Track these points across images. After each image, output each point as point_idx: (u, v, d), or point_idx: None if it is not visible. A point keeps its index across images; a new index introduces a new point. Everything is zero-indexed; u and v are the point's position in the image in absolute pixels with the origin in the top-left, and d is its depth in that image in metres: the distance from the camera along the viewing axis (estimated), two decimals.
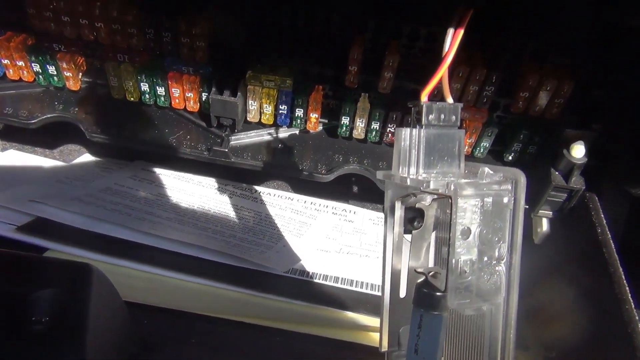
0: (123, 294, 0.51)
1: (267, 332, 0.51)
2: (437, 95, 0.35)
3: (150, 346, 0.43)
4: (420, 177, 0.30)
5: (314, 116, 0.56)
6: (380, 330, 0.35)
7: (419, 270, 0.31)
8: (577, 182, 0.51)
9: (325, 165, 0.57)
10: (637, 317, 0.43)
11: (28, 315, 0.35)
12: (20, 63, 0.55)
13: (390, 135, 0.56)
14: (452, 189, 0.28)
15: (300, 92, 0.55)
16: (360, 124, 0.55)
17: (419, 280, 0.31)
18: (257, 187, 0.78)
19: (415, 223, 0.34)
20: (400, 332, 0.35)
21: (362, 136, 0.56)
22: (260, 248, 0.64)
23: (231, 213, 0.72)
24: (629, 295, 0.44)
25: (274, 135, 0.58)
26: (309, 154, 0.58)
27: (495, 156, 0.57)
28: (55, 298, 0.36)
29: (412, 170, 0.30)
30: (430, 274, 0.31)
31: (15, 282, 0.38)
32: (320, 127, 0.59)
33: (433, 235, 0.35)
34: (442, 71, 0.30)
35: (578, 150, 0.49)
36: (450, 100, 0.31)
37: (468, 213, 0.28)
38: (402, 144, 0.30)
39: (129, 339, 0.41)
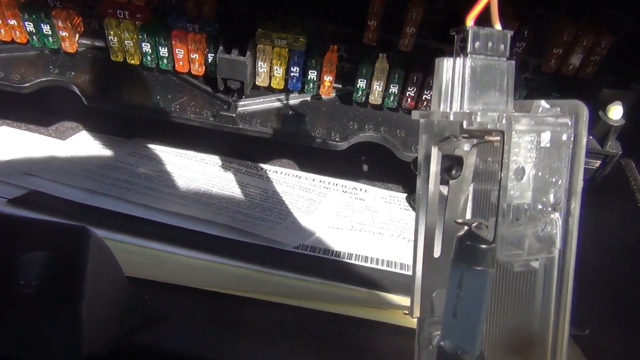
0: (126, 270, 0.48)
1: (277, 309, 0.48)
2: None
3: (152, 320, 0.39)
4: (465, 112, 0.26)
5: (328, 79, 0.52)
6: (412, 294, 0.31)
7: (461, 220, 0.27)
8: (613, 146, 0.47)
9: (339, 133, 0.53)
10: None
11: (17, 278, 0.32)
12: (13, 22, 0.51)
13: (409, 100, 0.52)
14: (504, 122, 0.24)
15: (314, 52, 0.51)
16: (377, 87, 0.51)
17: (461, 233, 0.27)
18: (263, 165, 0.74)
19: (453, 172, 0.30)
20: (434, 296, 0.31)
21: (379, 101, 0.53)
22: (268, 224, 0.60)
23: (236, 190, 0.68)
24: None
25: (284, 102, 0.55)
26: (321, 122, 0.54)
27: None
28: (48, 261, 0.33)
29: (455, 105, 0.26)
30: (474, 224, 0.27)
31: (4, 244, 0.34)
32: (334, 94, 0.55)
33: (471, 187, 0.31)
34: None
35: (615, 112, 0.46)
36: (498, 26, 0.27)
37: (522, 150, 0.25)
38: (444, 75, 0.27)
39: (130, 310, 0.38)
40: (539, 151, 0.25)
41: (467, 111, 0.26)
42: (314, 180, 0.73)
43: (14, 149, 0.69)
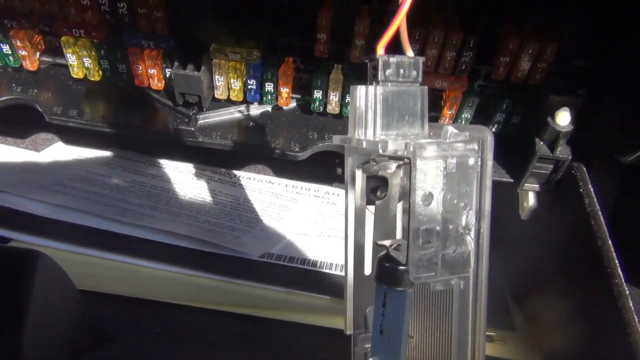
0: (87, 284, 0.49)
1: (238, 320, 0.49)
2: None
3: (107, 336, 0.40)
4: (377, 139, 0.27)
5: (284, 90, 0.52)
6: (345, 312, 0.32)
7: (381, 243, 0.28)
8: (563, 151, 0.48)
9: (299, 143, 0.54)
10: (627, 292, 0.40)
11: None
12: None
13: None
14: (410, 149, 0.25)
15: (269, 65, 0.52)
16: (334, 97, 0.52)
17: (380, 254, 0.28)
18: (236, 172, 0.75)
19: (379, 193, 0.31)
20: (367, 312, 0.32)
21: (337, 111, 0.53)
22: (236, 233, 0.61)
23: (207, 198, 0.69)
24: (619, 269, 0.41)
25: (245, 113, 0.55)
26: (281, 132, 0.55)
27: None
28: None
29: (370, 132, 0.27)
30: (393, 246, 0.28)
31: None
32: (294, 104, 0.56)
33: (399, 206, 0.32)
34: (399, 19, 0.27)
35: (563, 118, 0.46)
36: (410, 53, 0.28)
37: (429, 176, 0.25)
38: (358, 103, 0.27)
39: (82, 328, 0.39)
40: (447, 176, 0.26)
41: (379, 139, 0.27)
42: (286, 185, 0.74)
43: None
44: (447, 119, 0.52)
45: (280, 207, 0.69)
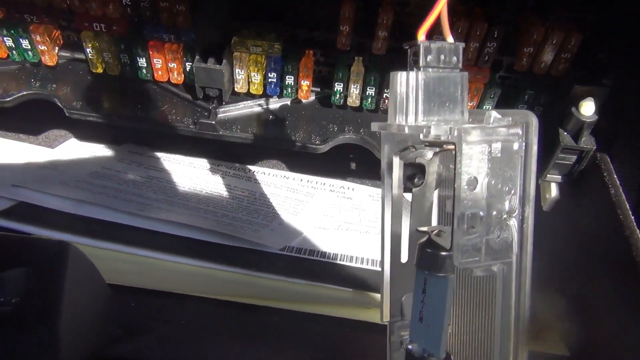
0: (110, 278, 0.48)
1: (262, 312, 0.49)
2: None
3: (134, 328, 0.40)
4: (419, 124, 0.27)
5: (305, 83, 0.52)
6: (382, 300, 0.32)
7: (422, 229, 0.28)
8: (587, 142, 0.48)
9: (319, 136, 0.54)
10: None
11: None
12: None
13: (386, 101, 0.53)
14: (455, 134, 0.25)
15: (290, 58, 0.51)
16: (354, 90, 0.52)
17: (422, 240, 0.28)
18: (250, 167, 0.75)
19: (416, 180, 0.30)
20: (403, 300, 0.32)
21: (357, 103, 0.53)
22: (255, 227, 0.61)
23: (224, 193, 0.69)
24: None
25: (264, 107, 0.55)
26: (301, 125, 0.55)
27: None
28: (27, 278, 0.34)
29: (411, 118, 0.27)
30: (434, 232, 0.28)
31: None
32: (313, 97, 0.56)
33: (436, 193, 0.32)
34: (441, 5, 0.27)
35: (587, 108, 0.46)
36: (450, 39, 0.28)
37: (474, 161, 0.25)
38: (398, 89, 0.27)
39: (111, 321, 0.39)
40: (492, 161, 0.26)
41: (422, 124, 0.27)
42: (301, 180, 0.74)
43: (2, 160, 0.69)
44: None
45: (296, 202, 0.69)
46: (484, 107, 0.51)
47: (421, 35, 0.27)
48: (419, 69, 0.27)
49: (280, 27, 0.50)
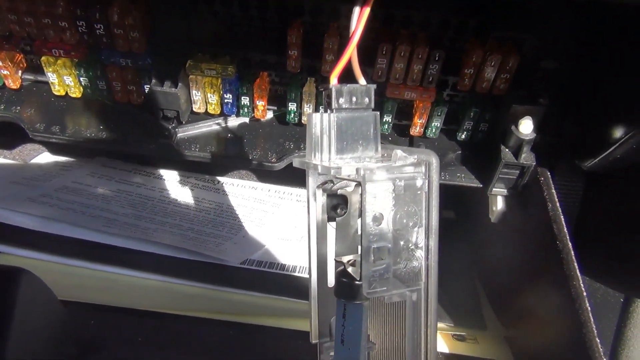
0: (73, 295, 0.50)
1: (219, 326, 0.51)
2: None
3: (91, 347, 0.42)
4: (331, 164, 0.29)
5: (260, 104, 0.54)
6: (310, 321, 0.34)
7: (338, 259, 0.30)
8: (527, 158, 0.50)
9: (275, 153, 0.55)
10: (584, 293, 0.42)
11: None
12: None
13: None
14: (361, 174, 0.27)
15: (245, 79, 0.53)
16: (308, 109, 0.54)
17: (338, 269, 0.30)
18: (220, 178, 0.77)
19: (339, 210, 0.32)
20: (331, 322, 0.34)
21: None
22: (218, 240, 0.63)
23: (191, 206, 0.71)
24: (577, 271, 0.43)
25: (223, 125, 0.57)
26: (259, 143, 0.56)
27: (449, 136, 0.56)
28: None
29: (325, 156, 0.29)
30: (349, 262, 0.30)
31: None
32: (270, 115, 0.58)
33: (359, 222, 0.33)
34: (350, 51, 0.29)
35: (525, 126, 0.48)
36: (362, 81, 0.30)
37: (379, 198, 0.27)
38: (314, 129, 0.29)
39: (67, 341, 0.40)
40: (397, 197, 0.28)
41: (333, 164, 0.29)
42: (269, 190, 0.76)
43: None
44: (418, 128, 0.54)
45: (262, 213, 0.71)
46: (432, 124, 0.53)
47: (333, 79, 0.29)
48: (331, 110, 0.29)
49: (234, 51, 0.52)
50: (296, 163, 0.31)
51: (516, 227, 0.55)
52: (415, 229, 0.29)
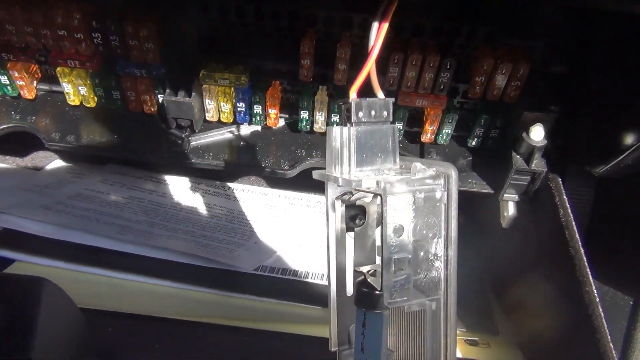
0: (89, 302, 0.51)
1: (234, 332, 0.51)
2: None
3: (110, 354, 0.42)
4: (352, 177, 0.29)
5: (273, 112, 0.55)
6: (330, 329, 0.35)
7: (358, 269, 0.31)
8: (538, 164, 0.50)
9: (288, 161, 0.56)
10: (597, 299, 0.43)
11: None
12: None
13: None
14: (382, 187, 0.28)
15: (257, 88, 0.54)
16: (320, 117, 0.54)
17: (358, 279, 0.31)
18: (230, 184, 0.78)
19: (357, 220, 0.33)
20: (350, 330, 0.35)
21: (324, 129, 0.56)
22: (231, 247, 0.64)
23: (203, 212, 0.71)
24: (590, 277, 0.44)
25: (235, 134, 0.58)
26: (271, 150, 0.57)
27: (459, 142, 0.57)
28: (2, 314, 0.36)
29: (345, 169, 0.30)
30: (370, 271, 0.30)
31: None
32: (282, 123, 0.58)
33: (378, 231, 0.34)
34: (369, 66, 0.29)
35: (537, 133, 0.49)
36: (381, 95, 0.30)
37: (400, 210, 0.28)
38: (334, 143, 0.30)
39: (86, 350, 0.41)
40: (416, 209, 0.28)
41: (353, 177, 0.29)
42: (279, 196, 0.77)
43: None
44: (429, 135, 0.55)
45: (273, 219, 0.72)
46: (443, 131, 0.54)
47: (352, 93, 0.30)
48: (351, 124, 0.30)
49: (247, 60, 0.53)
50: (316, 176, 0.32)
51: (527, 233, 0.55)
52: (435, 239, 0.29)
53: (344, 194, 0.32)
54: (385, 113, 0.30)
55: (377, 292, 0.29)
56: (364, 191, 0.29)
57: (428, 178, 0.29)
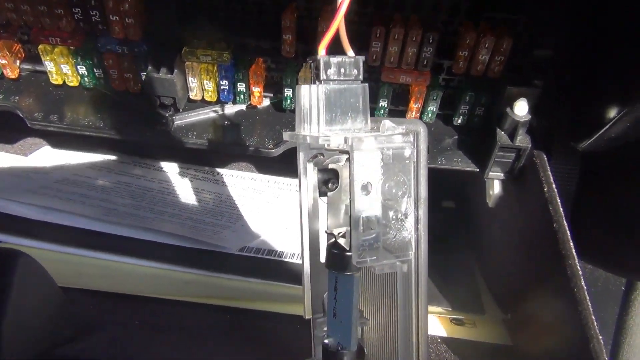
0: (73, 281, 0.51)
1: (217, 311, 0.51)
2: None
3: (87, 329, 0.42)
4: (320, 134, 0.29)
5: (256, 90, 0.54)
6: (304, 297, 0.34)
7: (329, 231, 0.30)
8: (522, 140, 0.50)
9: (272, 140, 0.56)
10: (579, 272, 0.42)
11: None
12: None
13: None
14: (350, 143, 0.27)
15: (241, 65, 0.53)
16: None
17: (329, 242, 0.30)
18: (219, 170, 0.77)
19: (330, 184, 0.32)
20: (324, 297, 0.34)
21: None
22: (217, 228, 0.63)
23: (190, 196, 0.71)
24: (573, 250, 0.43)
25: (219, 113, 0.57)
26: (256, 130, 0.57)
27: (445, 121, 0.56)
28: None
29: (314, 128, 0.29)
30: (340, 234, 0.30)
31: None
32: (267, 102, 0.58)
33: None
34: (338, 21, 0.29)
35: (520, 107, 0.48)
36: (350, 53, 0.30)
37: (368, 167, 0.27)
38: (302, 101, 0.29)
39: (63, 323, 0.41)
40: (385, 167, 0.28)
41: (322, 134, 0.29)
42: (268, 182, 0.76)
43: None
44: (414, 112, 0.54)
45: (261, 203, 0.71)
46: (428, 109, 0.54)
47: (321, 50, 0.29)
48: (320, 82, 0.29)
49: (229, 37, 0.52)
50: (286, 136, 0.31)
51: (513, 211, 0.54)
52: (405, 198, 0.29)
53: (316, 155, 0.32)
54: (355, 71, 0.30)
55: (347, 253, 0.29)
56: (332, 150, 0.29)
57: (397, 135, 0.28)
